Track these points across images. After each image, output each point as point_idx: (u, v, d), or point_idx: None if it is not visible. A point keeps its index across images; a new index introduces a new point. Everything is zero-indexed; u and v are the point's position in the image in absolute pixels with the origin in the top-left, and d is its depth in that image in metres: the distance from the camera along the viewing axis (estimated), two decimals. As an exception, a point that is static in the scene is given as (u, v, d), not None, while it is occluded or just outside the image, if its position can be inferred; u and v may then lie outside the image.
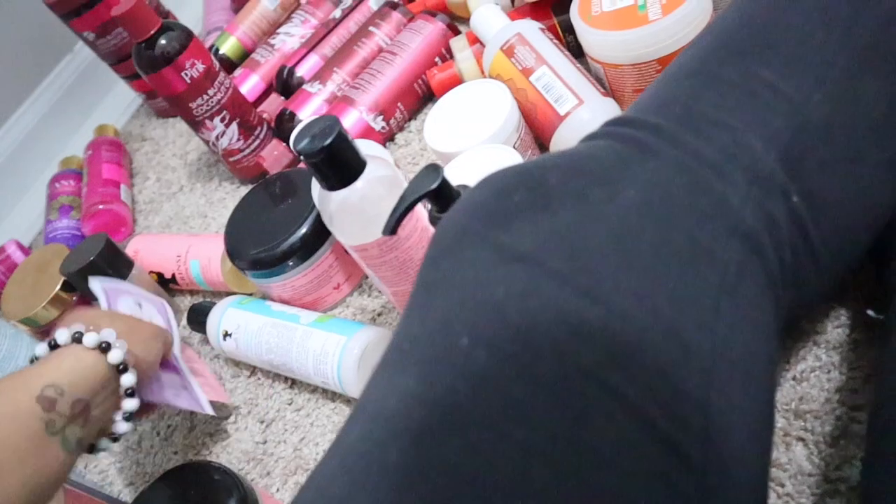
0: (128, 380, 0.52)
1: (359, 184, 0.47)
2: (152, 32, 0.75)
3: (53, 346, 0.51)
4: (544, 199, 0.35)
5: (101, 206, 0.91)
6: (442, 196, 0.43)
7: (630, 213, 0.34)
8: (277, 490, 0.60)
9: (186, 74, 0.76)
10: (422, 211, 0.51)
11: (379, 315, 0.66)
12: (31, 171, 1.10)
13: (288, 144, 0.81)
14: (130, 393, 0.53)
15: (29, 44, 1.12)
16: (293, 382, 0.66)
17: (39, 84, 1.14)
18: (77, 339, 0.51)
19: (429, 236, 0.52)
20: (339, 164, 0.46)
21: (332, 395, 0.63)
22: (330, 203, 0.48)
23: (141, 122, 1.09)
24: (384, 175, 0.48)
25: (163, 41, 0.75)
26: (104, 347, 0.51)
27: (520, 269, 0.32)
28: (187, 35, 0.77)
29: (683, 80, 0.40)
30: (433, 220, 0.45)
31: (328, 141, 0.44)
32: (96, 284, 0.65)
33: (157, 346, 0.58)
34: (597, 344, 0.30)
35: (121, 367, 0.52)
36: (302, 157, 0.45)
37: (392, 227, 0.42)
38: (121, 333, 0.54)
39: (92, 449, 0.53)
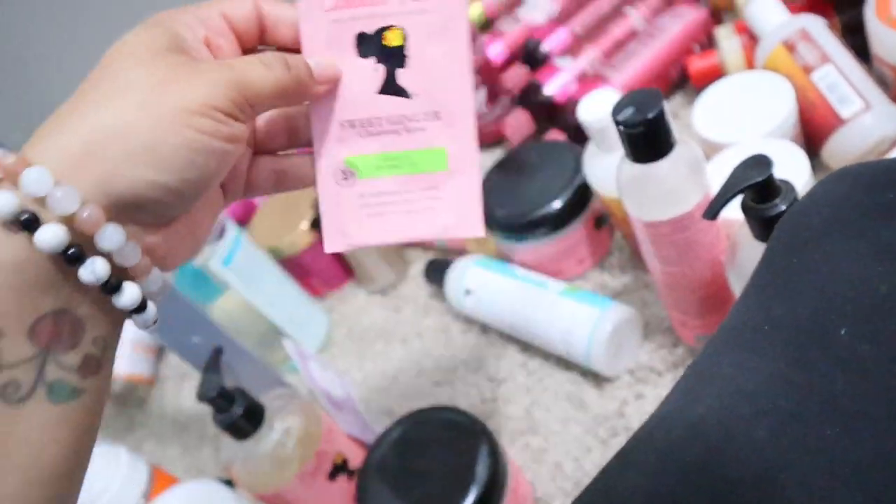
0: (94, 272, 0.29)
1: (665, 162, 0.47)
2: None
3: None
4: None
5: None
6: (767, 187, 0.43)
7: None
8: (506, 448, 0.62)
9: (449, 37, 0.79)
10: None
11: (619, 294, 0.66)
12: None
13: (532, 115, 0.82)
14: (113, 287, 0.30)
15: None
16: (526, 346, 0.68)
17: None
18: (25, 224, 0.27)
19: (715, 223, 0.52)
20: (655, 139, 0.46)
21: (567, 365, 0.64)
22: (630, 174, 0.49)
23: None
24: (689, 156, 0.48)
25: None
26: (26, 222, 0.27)
27: None
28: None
29: None
30: (748, 210, 0.44)
31: (651, 114, 0.45)
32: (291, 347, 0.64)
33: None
34: None
35: (70, 254, 0.28)
36: (619, 126, 0.46)
37: (714, 213, 0.43)
38: (75, 155, 0.29)
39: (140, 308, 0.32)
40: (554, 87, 0.81)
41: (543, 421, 0.62)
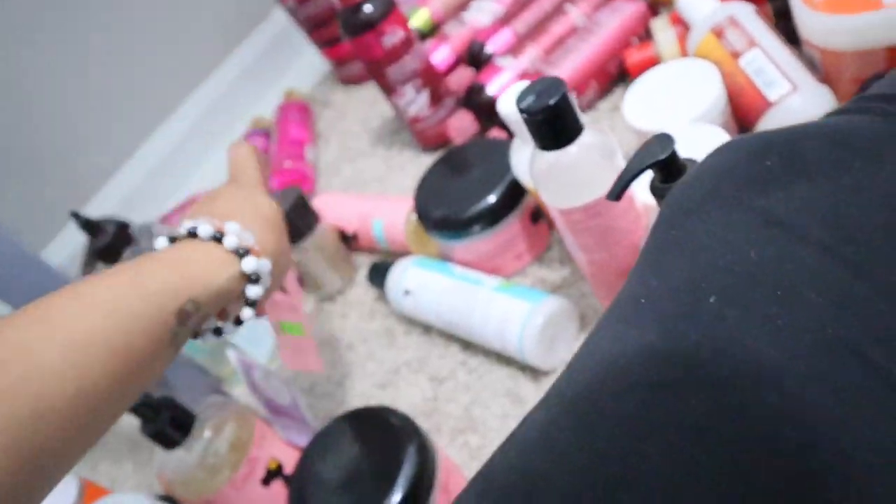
0: (254, 292, 0.49)
1: (573, 148, 0.47)
2: (359, -1, 0.78)
3: (193, 234, 0.49)
4: (800, 166, 0.33)
5: (287, 164, 0.95)
6: (670, 166, 0.42)
7: None
8: (445, 446, 0.62)
9: (387, 40, 0.79)
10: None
11: (559, 288, 0.66)
12: (225, 127, 1.17)
13: (476, 116, 0.82)
14: (252, 303, 0.50)
15: (228, 10, 1.19)
16: (467, 344, 0.67)
17: (236, 48, 1.21)
18: (217, 239, 0.48)
19: (636, 206, 0.52)
20: (559, 125, 0.46)
21: (507, 361, 0.64)
22: (541, 163, 0.48)
23: (326, 89, 1.13)
24: (600, 141, 0.48)
25: (367, 7, 0.78)
26: (241, 253, 0.48)
27: (776, 233, 0.31)
28: (389, 3, 0.79)
29: None
30: (655, 190, 0.44)
31: (552, 101, 0.45)
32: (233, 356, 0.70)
33: (288, 265, 0.56)
34: (860, 317, 0.28)
35: (253, 276, 0.49)
36: (523, 115, 0.46)
37: (617, 193, 0.42)
38: (261, 241, 0.51)
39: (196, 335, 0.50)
40: (496, 86, 0.81)
41: (482, 418, 0.62)
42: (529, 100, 0.45)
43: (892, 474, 0.26)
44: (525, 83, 0.59)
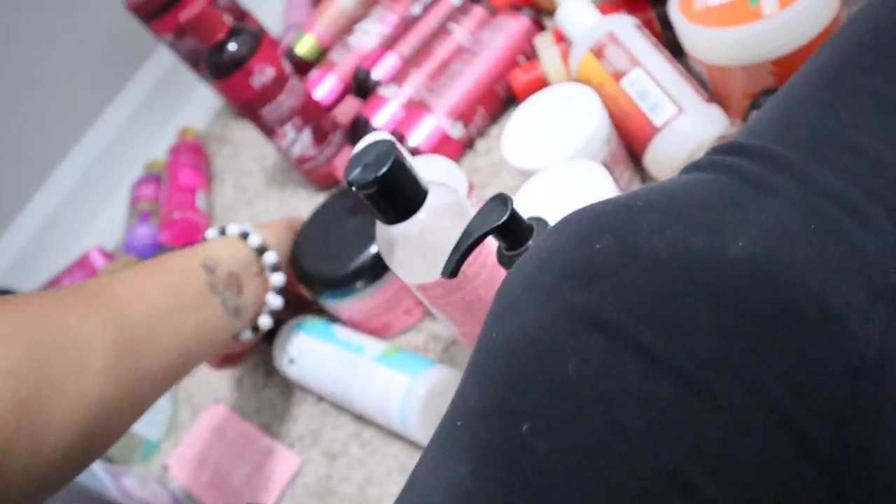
0: (278, 279, 0.61)
1: (420, 215, 0.42)
2: (221, 37, 0.71)
3: (222, 232, 0.61)
4: (633, 249, 0.28)
5: (176, 214, 0.89)
6: (511, 231, 0.37)
7: (739, 272, 0.27)
8: (341, 533, 0.56)
9: (256, 80, 0.72)
10: (491, 245, 0.45)
11: (453, 344, 0.60)
12: (117, 174, 1.10)
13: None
14: (279, 291, 0.61)
15: (112, 47, 1.12)
16: (360, 415, 0.62)
17: (124, 87, 1.13)
18: (243, 236, 0.61)
19: (499, 275, 0.46)
20: (397, 196, 0.40)
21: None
22: (386, 237, 0.43)
23: (223, 123, 1.07)
24: (448, 203, 0.43)
25: (231, 46, 0.72)
26: (260, 250, 0.60)
27: (598, 340, 0.26)
28: (256, 38, 0.73)
29: (813, 92, 0.32)
30: (502, 260, 0.39)
31: (382, 170, 0.39)
32: None
33: (291, 241, 0.66)
34: (689, 439, 0.24)
35: (272, 267, 0.61)
36: (353, 189, 0.40)
37: (452, 270, 0.37)
38: (274, 245, 0.63)
39: (255, 328, 0.61)
40: (381, 119, 0.75)
41: (377, 499, 0.56)
42: (356, 172, 0.40)
43: None
44: (378, 135, 0.53)
